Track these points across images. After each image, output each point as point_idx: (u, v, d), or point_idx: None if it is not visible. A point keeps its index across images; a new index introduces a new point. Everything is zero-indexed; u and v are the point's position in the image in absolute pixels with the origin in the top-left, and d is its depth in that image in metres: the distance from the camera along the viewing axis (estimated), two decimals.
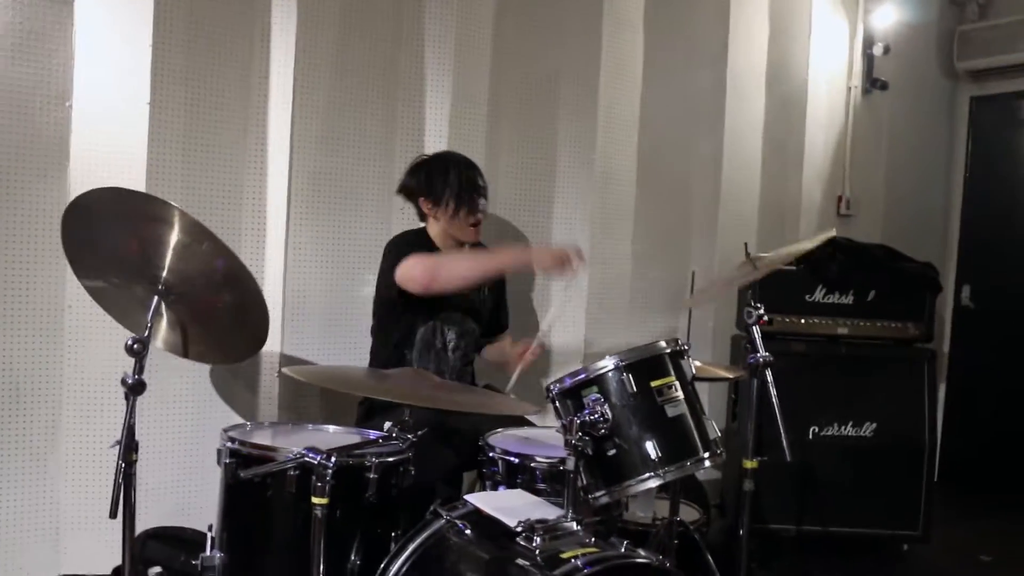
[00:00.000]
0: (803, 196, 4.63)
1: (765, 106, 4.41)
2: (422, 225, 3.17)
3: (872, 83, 4.83)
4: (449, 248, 3.10)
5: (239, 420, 3.06)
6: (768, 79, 4.42)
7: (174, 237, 2.17)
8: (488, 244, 3.27)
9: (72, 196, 2.86)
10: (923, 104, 5.17)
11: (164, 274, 2.20)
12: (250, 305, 2.33)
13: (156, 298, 2.21)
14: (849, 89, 4.80)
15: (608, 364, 2.22)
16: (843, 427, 3.77)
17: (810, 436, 3.74)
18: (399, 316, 3.01)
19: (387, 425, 2.37)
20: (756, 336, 2.56)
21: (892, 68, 4.88)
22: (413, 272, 2.85)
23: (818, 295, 3.87)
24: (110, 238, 2.28)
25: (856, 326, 3.87)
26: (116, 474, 2.07)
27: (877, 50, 4.78)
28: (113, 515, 2.08)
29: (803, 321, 3.85)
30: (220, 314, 2.38)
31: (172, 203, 2.16)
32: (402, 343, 3.03)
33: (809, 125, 4.62)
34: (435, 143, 3.46)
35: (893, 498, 3.75)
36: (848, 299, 3.87)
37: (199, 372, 3.10)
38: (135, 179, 2.95)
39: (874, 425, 3.77)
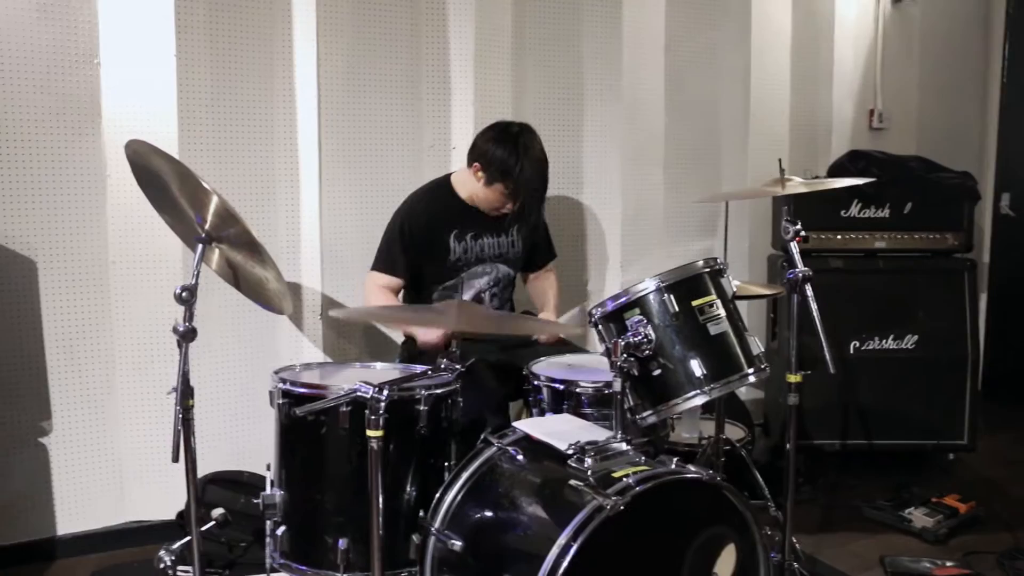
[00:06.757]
0: (834, 111, 4.53)
1: (792, 21, 4.31)
2: (448, 173, 3.15)
3: None
4: (471, 199, 3.04)
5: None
6: None
7: (213, 202, 2.19)
8: None
9: (107, 152, 2.93)
10: (956, 10, 5.01)
11: (207, 227, 2.23)
12: (273, 281, 2.40)
13: (200, 247, 2.23)
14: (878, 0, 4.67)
15: (649, 286, 2.25)
16: (884, 341, 3.72)
17: (851, 351, 3.70)
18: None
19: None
20: (794, 252, 2.54)
21: None
22: (366, 291, 3.06)
23: (854, 210, 3.79)
24: (161, 182, 2.30)
25: (894, 239, 3.81)
26: (175, 420, 2.12)
27: None
28: (175, 459, 2.12)
29: (839, 237, 3.80)
30: (254, 275, 2.44)
31: (207, 185, 2.14)
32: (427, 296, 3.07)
33: (838, 38, 4.50)
34: (461, 79, 3.46)
35: (937, 409, 3.72)
36: (884, 212, 3.80)
37: (244, 321, 3.16)
38: (167, 132, 2.99)
39: (916, 337, 3.72)
